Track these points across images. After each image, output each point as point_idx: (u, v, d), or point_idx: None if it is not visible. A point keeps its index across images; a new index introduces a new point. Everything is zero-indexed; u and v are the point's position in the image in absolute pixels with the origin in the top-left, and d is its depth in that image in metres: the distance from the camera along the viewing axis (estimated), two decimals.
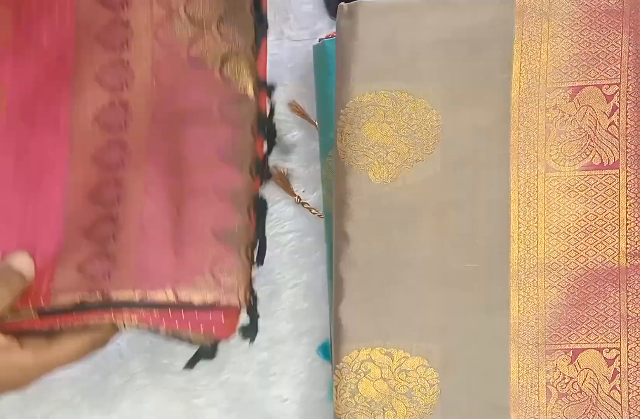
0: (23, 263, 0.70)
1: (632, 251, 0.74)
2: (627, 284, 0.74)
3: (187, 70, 0.71)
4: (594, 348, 0.74)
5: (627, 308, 0.74)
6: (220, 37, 0.70)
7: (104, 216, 0.70)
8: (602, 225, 0.75)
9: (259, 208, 0.71)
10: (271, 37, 0.82)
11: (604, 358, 0.74)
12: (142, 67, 0.71)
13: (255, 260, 0.71)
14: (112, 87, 0.71)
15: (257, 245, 0.72)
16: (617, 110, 0.75)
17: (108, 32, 0.71)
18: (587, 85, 0.76)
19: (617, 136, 0.75)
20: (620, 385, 0.73)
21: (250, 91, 0.70)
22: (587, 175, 0.75)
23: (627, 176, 0.75)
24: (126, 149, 0.71)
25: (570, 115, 0.76)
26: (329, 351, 0.80)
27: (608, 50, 0.76)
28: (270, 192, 0.82)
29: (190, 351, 0.72)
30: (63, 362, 0.70)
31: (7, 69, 0.72)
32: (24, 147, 0.72)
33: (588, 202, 0.75)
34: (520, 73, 0.77)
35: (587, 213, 0.75)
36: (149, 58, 0.71)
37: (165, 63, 0.71)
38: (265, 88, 0.72)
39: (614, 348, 0.74)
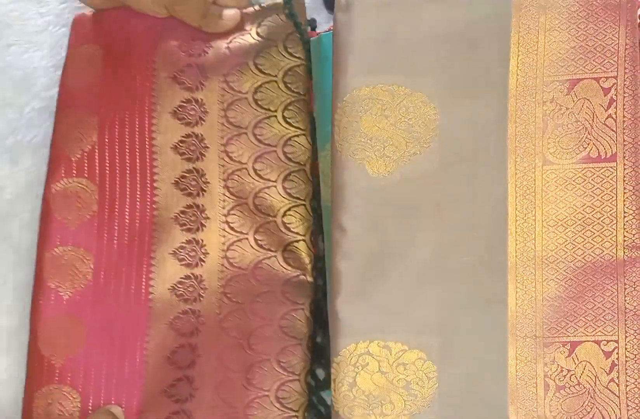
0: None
1: (630, 243, 0.74)
2: (624, 276, 0.74)
3: (253, 252, 0.81)
4: (592, 341, 0.74)
5: (625, 300, 0.74)
6: (284, 227, 0.81)
7: (181, 378, 0.80)
8: (600, 217, 0.75)
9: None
10: None
11: (602, 350, 0.74)
12: (214, 247, 0.81)
13: None
14: (187, 263, 0.81)
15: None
16: (615, 103, 0.75)
17: (185, 215, 0.82)
18: (584, 78, 0.76)
19: (614, 129, 0.75)
20: (618, 378, 0.73)
21: (308, 276, 0.81)
22: (585, 168, 0.75)
23: (625, 169, 0.75)
24: (200, 318, 0.80)
25: (567, 108, 0.76)
26: None
27: (605, 43, 0.76)
28: None
29: None
30: None
31: (92, 239, 0.83)
32: (108, 313, 0.82)
33: (586, 194, 0.75)
34: (518, 67, 0.77)
35: (585, 206, 0.75)
36: (220, 240, 0.81)
37: (233, 246, 0.81)
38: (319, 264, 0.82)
39: (612, 340, 0.74)
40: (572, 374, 0.74)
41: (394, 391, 0.75)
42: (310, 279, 0.81)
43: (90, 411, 0.80)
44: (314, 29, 0.87)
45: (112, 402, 0.80)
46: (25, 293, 0.87)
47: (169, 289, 0.81)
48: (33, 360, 0.82)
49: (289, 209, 0.81)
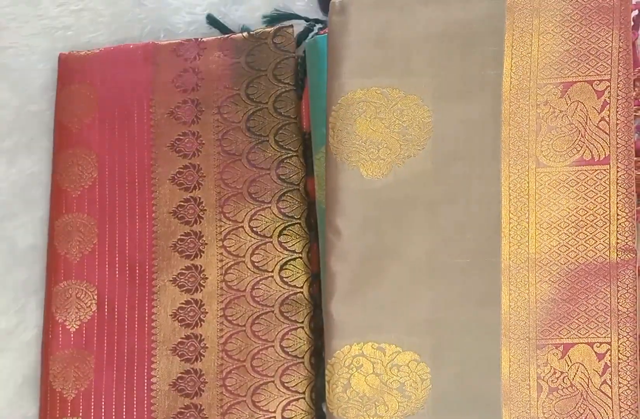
0: None
1: (623, 246, 0.74)
2: (617, 279, 0.74)
3: (250, 273, 0.84)
4: (585, 343, 0.74)
5: (618, 302, 0.74)
6: (280, 246, 0.83)
7: (189, 406, 0.82)
8: (593, 220, 0.75)
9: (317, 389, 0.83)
10: None
11: (595, 352, 0.74)
12: (212, 271, 0.84)
13: None
14: (187, 289, 0.85)
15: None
16: (608, 105, 0.76)
17: (184, 243, 0.85)
18: (577, 81, 0.76)
19: (607, 132, 0.75)
20: (610, 379, 0.74)
21: (305, 292, 0.83)
22: (578, 171, 0.76)
23: (618, 171, 0.75)
24: (202, 342, 0.83)
25: (561, 111, 0.76)
26: None
27: (599, 46, 0.76)
28: None
29: None
30: None
31: (94, 271, 0.86)
32: (114, 343, 0.84)
33: (579, 197, 0.75)
34: (511, 69, 0.77)
35: (578, 209, 0.75)
36: (218, 264, 0.84)
37: (231, 268, 0.84)
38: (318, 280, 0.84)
39: (605, 342, 0.74)
40: (565, 376, 0.74)
41: (387, 393, 0.75)
42: (307, 295, 0.83)
43: None
44: (312, 29, 0.88)
45: None
46: (22, 294, 0.88)
47: (170, 315, 0.84)
48: (45, 394, 0.84)
49: (284, 228, 0.84)
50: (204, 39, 0.88)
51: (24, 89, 0.91)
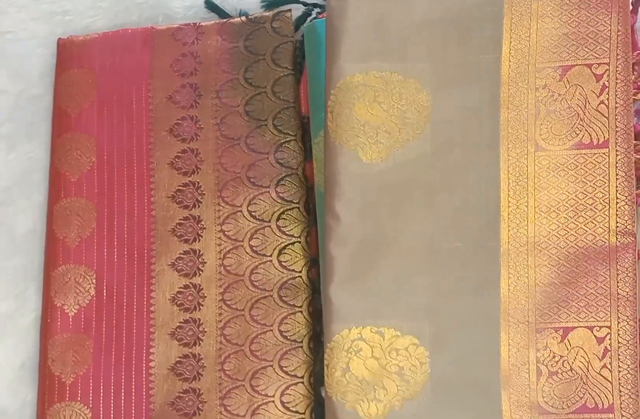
0: None
1: (622, 229, 0.74)
2: (617, 262, 0.74)
3: (249, 258, 0.84)
4: (585, 327, 0.74)
5: (618, 286, 0.74)
6: (278, 230, 0.83)
7: (187, 390, 0.83)
8: (592, 203, 0.75)
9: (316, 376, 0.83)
10: None
11: (595, 336, 0.74)
12: (211, 255, 0.84)
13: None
14: (186, 273, 0.85)
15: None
16: (607, 89, 0.76)
17: (182, 227, 0.85)
18: (576, 65, 0.76)
19: (606, 115, 0.75)
20: (610, 363, 0.74)
21: (304, 276, 0.83)
22: (577, 154, 0.76)
23: (617, 155, 0.75)
24: (200, 327, 0.84)
25: (560, 95, 0.76)
26: None
27: (597, 29, 0.76)
28: None
29: None
30: None
31: (93, 255, 0.86)
32: (112, 327, 0.85)
33: (578, 180, 0.75)
34: (510, 53, 0.77)
35: (577, 192, 0.75)
36: (216, 248, 0.84)
37: (230, 252, 0.84)
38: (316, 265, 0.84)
39: (605, 326, 0.74)
40: (564, 360, 0.74)
41: (387, 377, 0.75)
42: (306, 280, 0.83)
43: None
44: (310, 14, 0.88)
45: (122, 417, 0.83)
46: (21, 278, 0.88)
47: (169, 299, 0.84)
48: (44, 378, 0.84)
49: (283, 212, 0.84)
50: (203, 24, 0.88)
51: (22, 74, 0.91)
